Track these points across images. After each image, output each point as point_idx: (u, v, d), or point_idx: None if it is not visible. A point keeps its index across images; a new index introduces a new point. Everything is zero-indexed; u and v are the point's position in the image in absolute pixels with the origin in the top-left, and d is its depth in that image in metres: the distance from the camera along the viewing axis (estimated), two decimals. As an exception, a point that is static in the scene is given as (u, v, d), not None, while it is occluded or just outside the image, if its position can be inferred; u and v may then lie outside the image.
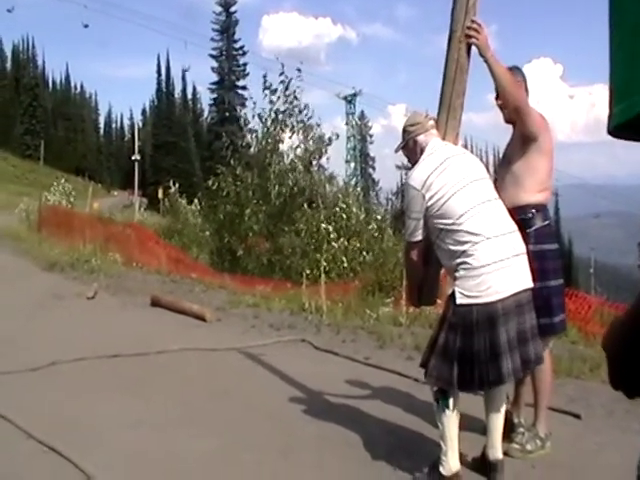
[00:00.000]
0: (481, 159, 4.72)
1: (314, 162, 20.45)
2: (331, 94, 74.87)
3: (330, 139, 20.41)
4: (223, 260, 19.83)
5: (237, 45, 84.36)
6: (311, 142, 20.10)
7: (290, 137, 20.21)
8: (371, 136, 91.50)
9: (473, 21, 4.15)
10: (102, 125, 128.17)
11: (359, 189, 27.83)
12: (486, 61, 4.12)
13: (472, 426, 4.49)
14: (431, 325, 8.46)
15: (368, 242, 19.69)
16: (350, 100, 76.81)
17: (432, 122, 4.18)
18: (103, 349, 7.10)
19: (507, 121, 4.59)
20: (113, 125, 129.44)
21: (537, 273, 4.15)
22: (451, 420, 3.87)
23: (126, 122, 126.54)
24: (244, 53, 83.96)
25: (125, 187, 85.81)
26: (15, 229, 24.60)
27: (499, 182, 4.62)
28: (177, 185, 31.15)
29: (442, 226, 3.78)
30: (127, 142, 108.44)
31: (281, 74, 19.99)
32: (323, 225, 18.71)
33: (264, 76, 20.21)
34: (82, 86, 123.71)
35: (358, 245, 19.14)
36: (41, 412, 5.18)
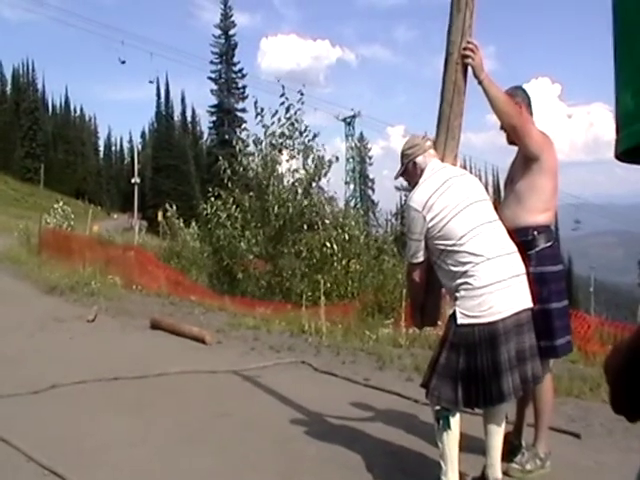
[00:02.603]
0: (480, 180, 4.74)
1: (313, 184, 20.46)
2: (330, 116, 75.18)
3: (330, 161, 20.42)
4: (222, 282, 19.81)
5: (236, 68, 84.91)
6: (310, 163, 20.12)
7: (288, 160, 20.23)
8: (370, 157, 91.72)
9: (469, 42, 4.19)
10: (102, 148, 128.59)
11: (359, 210, 27.88)
12: (480, 82, 4.15)
13: (472, 446, 4.49)
14: (430, 346, 8.48)
15: (368, 264, 19.68)
16: (349, 122, 77.05)
17: (430, 143, 4.21)
18: (103, 372, 7.10)
19: (510, 142, 4.59)
20: (113, 148, 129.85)
21: (538, 296, 4.17)
22: (452, 440, 3.90)
23: (126, 145, 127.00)
24: (243, 76, 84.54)
25: (125, 210, 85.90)
26: (15, 252, 24.59)
27: (502, 202, 4.64)
28: (176, 208, 31.18)
29: (443, 247, 3.81)
30: (127, 165, 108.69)
31: (282, 95, 20.03)
32: (327, 244, 18.71)
33: (255, 102, 20.28)
34: (82, 109, 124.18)
35: (358, 267, 19.11)
36: (42, 435, 5.18)
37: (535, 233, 4.26)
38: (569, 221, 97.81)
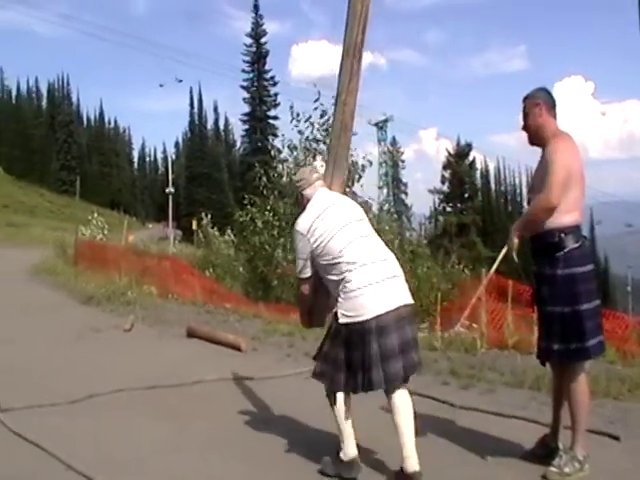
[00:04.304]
0: (514, 180, 4.85)
1: (347, 189, 20.41)
2: (362, 121, 74.98)
3: (363, 166, 20.36)
4: (256, 290, 19.81)
5: (267, 76, 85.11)
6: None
7: (322, 165, 20.21)
8: (403, 161, 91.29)
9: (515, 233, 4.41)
10: (136, 159, 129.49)
11: (393, 215, 27.79)
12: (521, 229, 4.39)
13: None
14: (466, 350, 8.46)
15: (402, 268, 19.61)
16: (381, 126, 76.92)
17: (317, 175, 4.83)
18: (140, 381, 7.15)
19: (532, 143, 4.59)
20: (147, 159, 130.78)
21: (567, 298, 4.14)
22: (341, 413, 4.45)
23: (159, 155, 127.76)
24: (275, 83, 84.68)
25: (160, 219, 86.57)
26: (52, 264, 24.86)
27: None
28: (210, 216, 31.34)
29: (326, 262, 4.38)
30: (161, 175, 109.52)
31: (316, 100, 20.03)
32: None
33: (291, 107, 20.29)
34: (116, 121, 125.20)
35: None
36: (80, 444, 5.22)
37: (562, 235, 4.24)
38: (605, 220, 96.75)
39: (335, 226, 4.38)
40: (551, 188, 4.15)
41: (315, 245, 4.40)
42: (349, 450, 4.46)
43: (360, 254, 4.28)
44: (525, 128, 4.60)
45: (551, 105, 4.53)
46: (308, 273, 4.57)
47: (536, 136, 4.53)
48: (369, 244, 4.41)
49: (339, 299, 4.29)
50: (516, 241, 4.37)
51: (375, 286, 4.20)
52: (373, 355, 4.16)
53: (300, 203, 4.78)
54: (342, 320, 4.26)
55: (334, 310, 4.36)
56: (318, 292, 4.68)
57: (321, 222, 4.42)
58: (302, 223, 4.52)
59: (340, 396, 4.42)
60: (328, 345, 4.47)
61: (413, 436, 4.30)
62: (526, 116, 4.57)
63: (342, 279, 4.27)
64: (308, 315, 5.03)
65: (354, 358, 4.24)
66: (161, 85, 68.16)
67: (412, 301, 4.41)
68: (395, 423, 4.35)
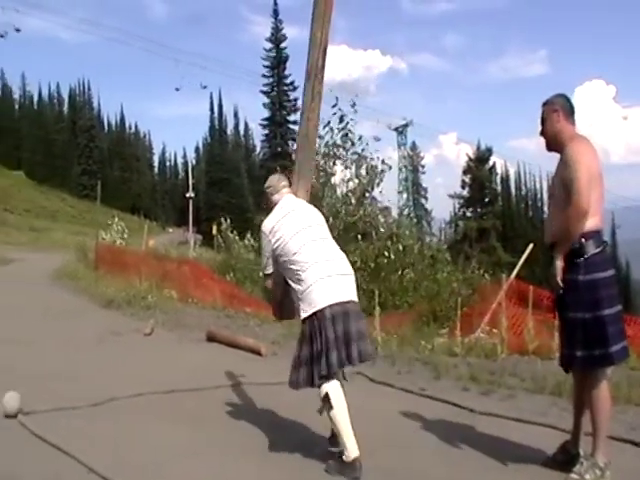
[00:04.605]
0: (534, 185, 4.82)
1: (367, 194, 20.40)
2: (382, 125, 74.99)
3: (383, 171, 20.34)
4: (277, 294, 19.81)
5: (287, 81, 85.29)
6: (363, 173, 20.02)
7: (343, 170, 20.18)
8: (423, 166, 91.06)
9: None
10: (156, 164, 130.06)
11: (413, 219, 27.73)
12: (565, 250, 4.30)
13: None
14: (486, 355, 8.44)
15: (422, 273, 19.56)
16: (401, 131, 77.01)
17: (284, 183, 5.36)
18: (161, 384, 7.18)
19: (549, 149, 4.59)
20: (167, 164, 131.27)
21: (588, 303, 4.12)
22: (339, 415, 4.66)
23: (180, 160, 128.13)
24: (294, 88, 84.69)
25: (180, 224, 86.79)
26: (73, 268, 25.01)
27: (547, 217, 4.62)
28: (230, 221, 31.37)
29: (283, 260, 4.87)
30: (181, 180, 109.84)
31: (334, 106, 20.04)
32: (385, 253, 18.63)
33: None
34: (136, 126, 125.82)
35: (412, 276, 19.01)
36: (101, 447, 5.24)
37: (583, 240, 4.21)
38: (626, 224, 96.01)
39: (293, 229, 4.89)
40: (579, 193, 4.12)
41: (275, 245, 4.92)
42: (351, 450, 4.59)
43: (313, 254, 4.75)
44: (543, 134, 4.60)
45: (569, 111, 4.52)
46: (270, 269, 5.10)
47: (553, 142, 4.53)
48: (322, 246, 4.87)
49: (298, 300, 4.77)
50: (560, 264, 4.29)
51: (326, 279, 4.66)
52: (331, 340, 4.55)
53: (268, 207, 5.30)
54: (303, 315, 4.70)
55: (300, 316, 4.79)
56: (287, 288, 5.02)
57: (282, 225, 4.96)
58: (266, 224, 5.08)
59: (336, 400, 4.68)
60: (300, 351, 4.81)
61: (348, 425, 4.68)
62: (544, 122, 4.57)
63: (297, 278, 4.75)
64: (279, 308, 5.45)
65: (315, 348, 4.61)
66: (177, 89, 68.75)
67: (357, 299, 4.83)
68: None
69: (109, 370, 8.21)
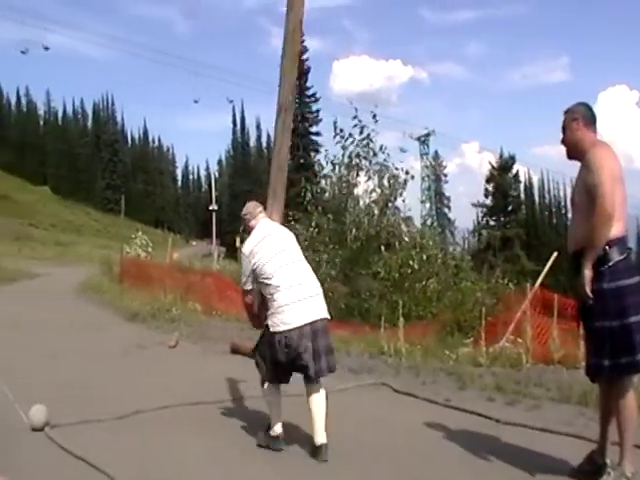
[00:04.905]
0: (558, 192, 4.78)
1: (389, 204, 20.35)
2: (404, 135, 74.80)
3: (405, 181, 20.28)
4: (301, 306, 19.73)
5: (309, 92, 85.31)
6: (386, 183, 19.98)
7: (366, 181, 20.16)
8: (445, 175, 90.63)
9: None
10: (180, 177, 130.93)
11: (436, 229, 27.58)
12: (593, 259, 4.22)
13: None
14: (511, 365, 8.40)
15: (446, 282, 19.47)
16: (423, 140, 76.79)
17: (260, 209, 5.96)
18: (185, 397, 7.20)
19: (570, 157, 4.57)
20: (190, 177, 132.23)
21: (615, 312, 4.08)
22: (272, 399, 5.59)
23: (203, 173, 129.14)
24: (316, 100, 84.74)
25: (203, 237, 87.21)
26: (98, 281, 25.18)
27: (570, 226, 4.59)
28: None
29: (261, 280, 5.46)
30: (204, 193, 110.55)
31: (354, 118, 20.02)
32: (410, 262, 18.58)
33: (334, 122, 20.25)
34: (159, 140, 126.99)
35: (436, 286, 18.93)
36: (126, 459, 5.26)
37: (607, 247, 4.16)
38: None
39: (269, 253, 5.46)
40: (604, 197, 4.09)
41: (254, 266, 5.49)
42: (276, 428, 5.52)
43: (286, 278, 5.35)
44: (563, 142, 4.58)
45: (590, 120, 4.50)
46: (249, 286, 5.67)
47: (574, 150, 4.51)
48: (295, 269, 5.46)
49: (269, 313, 5.40)
50: (589, 274, 4.21)
51: (297, 304, 5.27)
52: (306, 355, 5.22)
53: (247, 230, 5.86)
54: (272, 329, 5.34)
55: (266, 322, 5.46)
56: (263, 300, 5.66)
57: (260, 248, 5.52)
58: (246, 247, 5.65)
59: (271, 386, 5.56)
60: (262, 348, 5.60)
61: (323, 418, 5.34)
62: (564, 130, 4.56)
63: (271, 297, 5.36)
64: (257, 319, 5.94)
65: (280, 359, 5.30)
66: (196, 101, 69.29)
67: (327, 315, 5.48)
68: (310, 406, 5.39)
69: (134, 383, 8.25)
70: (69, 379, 8.41)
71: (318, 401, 5.38)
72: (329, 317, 5.53)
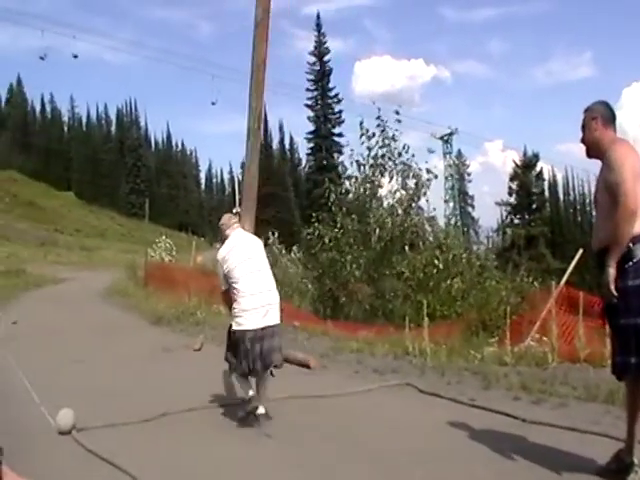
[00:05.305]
0: (582, 190, 4.73)
1: (413, 204, 20.26)
2: (427, 135, 74.73)
3: (429, 180, 20.17)
4: (325, 307, 19.71)
5: (331, 93, 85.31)
6: (410, 183, 19.89)
7: (390, 181, 20.08)
8: (469, 174, 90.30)
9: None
10: (203, 180, 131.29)
11: (460, 228, 27.51)
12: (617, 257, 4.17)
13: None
14: (537, 364, 8.35)
15: (471, 281, 19.37)
16: (447, 140, 76.67)
17: (234, 220, 6.90)
18: (210, 399, 7.24)
19: (589, 156, 4.55)
20: (214, 180, 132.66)
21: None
22: (240, 380, 6.58)
23: (226, 176, 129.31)
24: (339, 101, 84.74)
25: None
26: (123, 285, 25.34)
27: (594, 225, 4.56)
28: (277, 235, 31.48)
29: (231, 282, 6.42)
30: (227, 196, 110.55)
31: (377, 118, 19.95)
32: (435, 262, 18.53)
33: (361, 123, 20.16)
34: (183, 144, 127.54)
35: (461, 285, 18.85)
36: (155, 462, 5.30)
37: (630, 245, 4.13)
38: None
39: (237, 260, 6.40)
40: (626, 194, 4.06)
41: (226, 271, 6.42)
42: (249, 395, 6.41)
43: (249, 286, 6.33)
44: (583, 141, 4.57)
45: (609, 118, 4.48)
46: (224, 287, 6.57)
47: (593, 149, 4.50)
48: (258, 278, 6.44)
49: (233, 314, 6.42)
50: (613, 272, 4.17)
51: (255, 310, 6.29)
52: (255, 352, 6.27)
53: (222, 239, 6.76)
54: (234, 328, 6.40)
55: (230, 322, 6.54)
56: None
57: (230, 255, 6.45)
58: (220, 253, 6.58)
59: (240, 378, 6.53)
60: (228, 343, 6.65)
61: (265, 395, 6.50)
62: (584, 129, 4.55)
63: (237, 300, 6.33)
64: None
65: (241, 353, 6.32)
66: (213, 103, 68.89)
67: (279, 321, 6.51)
68: (258, 387, 6.48)
69: (160, 386, 8.31)
70: (95, 382, 8.48)
71: (264, 382, 6.53)
72: (279, 322, 6.55)
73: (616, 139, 4.41)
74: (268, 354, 6.35)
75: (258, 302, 6.30)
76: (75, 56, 71.11)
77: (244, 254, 6.46)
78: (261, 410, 6.35)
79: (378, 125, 19.85)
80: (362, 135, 19.96)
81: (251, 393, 6.40)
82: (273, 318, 6.43)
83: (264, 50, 11.08)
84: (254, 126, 8.13)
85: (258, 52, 11.03)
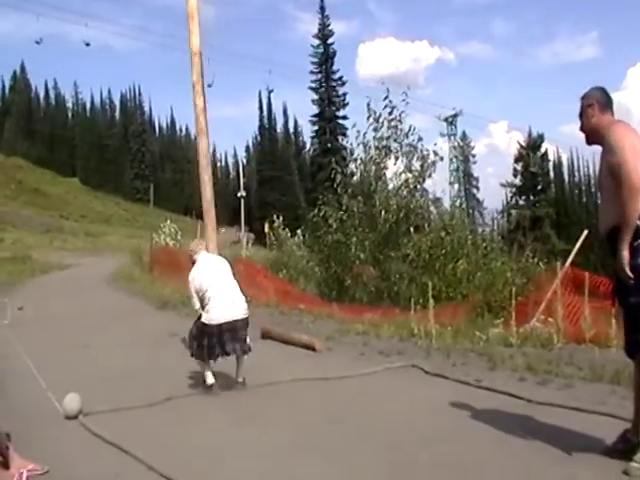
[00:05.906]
0: (587, 171, 4.67)
1: (418, 186, 20.18)
2: (432, 117, 74.46)
3: (434, 162, 20.08)
4: (331, 290, 19.69)
5: (335, 76, 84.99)
6: (415, 165, 19.79)
7: (395, 163, 19.99)
8: (474, 156, 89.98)
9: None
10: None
11: (465, 210, 27.45)
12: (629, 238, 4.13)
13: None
14: (543, 345, 8.36)
15: (476, 263, 19.34)
16: (451, 121, 76.31)
17: (201, 245, 8.07)
18: (217, 383, 7.25)
19: (589, 143, 4.54)
20: (218, 164, 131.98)
21: None
22: (203, 366, 7.27)
23: (230, 160, 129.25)
24: (343, 83, 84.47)
25: (232, 224, 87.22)
26: (129, 271, 25.39)
27: (600, 208, 4.53)
28: (281, 218, 31.49)
29: (201, 295, 7.29)
30: (232, 179, 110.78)
31: (385, 98, 19.83)
32: (443, 242, 18.52)
33: (368, 104, 20.04)
34: (187, 128, 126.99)
35: (466, 266, 18.82)
36: (160, 445, 5.31)
37: (638, 222, 4.08)
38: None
39: (207, 278, 7.33)
40: (629, 173, 4.03)
41: (197, 288, 7.31)
42: (209, 379, 7.18)
43: (217, 291, 7.24)
44: (582, 129, 4.55)
45: (605, 103, 4.47)
46: (197, 305, 7.41)
47: (592, 135, 4.49)
48: (224, 286, 7.35)
49: (204, 310, 7.26)
50: (626, 254, 4.11)
51: (220, 307, 7.16)
52: (225, 339, 7.14)
53: (192, 262, 7.67)
54: (203, 321, 7.21)
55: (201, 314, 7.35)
56: None
57: (201, 274, 7.39)
58: (191, 274, 7.47)
59: (200, 362, 7.32)
60: (194, 333, 7.37)
61: (242, 370, 7.32)
62: (581, 117, 4.53)
63: (207, 301, 7.23)
64: None
65: (210, 341, 7.15)
66: (209, 85, 68.93)
67: (246, 315, 7.37)
68: (238, 364, 7.32)
69: (166, 370, 8.33)
70: (101, 367, 8.52)
71: (240, 362, 7.34)
72: (247, 317, 7.41)
73: (613, 121, 4.38)
74: (236, 342, 7.26)
75: (224, 300, 7.23)
76: (87, 44, 70.52)
77: (212, 272, 7.44)
78: (240, 379, 7.34)
79: (386, 106, 19.75)
80: (369, 117, 19.87)
81: (211, 378, 7.22)
82: (240, 312, 7.33)
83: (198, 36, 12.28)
84: (202, 125, 9.39)
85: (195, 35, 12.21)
